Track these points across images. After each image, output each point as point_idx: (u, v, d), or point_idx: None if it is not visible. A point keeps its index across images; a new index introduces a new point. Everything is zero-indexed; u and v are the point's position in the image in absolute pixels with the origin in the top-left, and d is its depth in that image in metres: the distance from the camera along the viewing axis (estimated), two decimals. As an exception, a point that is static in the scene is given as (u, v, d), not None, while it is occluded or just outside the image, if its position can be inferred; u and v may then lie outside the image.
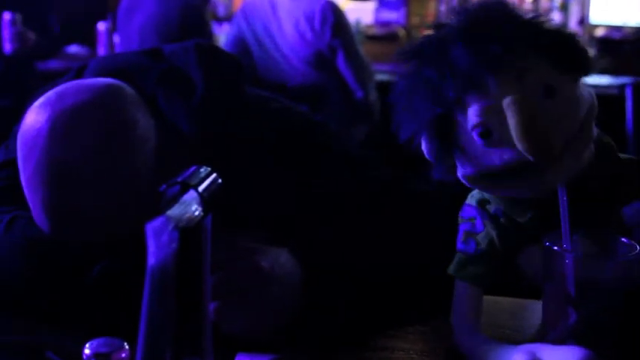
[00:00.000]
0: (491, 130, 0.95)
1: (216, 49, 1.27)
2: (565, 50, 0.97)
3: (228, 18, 5.20)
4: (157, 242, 0.66)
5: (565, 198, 0.96)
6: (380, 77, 4.18)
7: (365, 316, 1.14)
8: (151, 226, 0.67)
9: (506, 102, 0.92)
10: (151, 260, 0.67)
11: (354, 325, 1.13)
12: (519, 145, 0.91)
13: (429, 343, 1.12)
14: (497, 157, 0.96)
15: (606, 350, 0.96)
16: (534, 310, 1.09)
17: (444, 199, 1.31)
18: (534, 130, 0.91)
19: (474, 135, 0.95)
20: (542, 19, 0.99)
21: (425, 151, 1.00)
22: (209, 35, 3.79)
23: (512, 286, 1.17)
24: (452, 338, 1.08)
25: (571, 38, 0.98)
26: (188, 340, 0.79)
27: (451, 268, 1.10)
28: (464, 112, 0.95)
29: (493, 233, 1.07)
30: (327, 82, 3.59)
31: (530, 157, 0.91)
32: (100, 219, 1.05)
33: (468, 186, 1.02)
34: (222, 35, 4.52)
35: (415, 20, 6.30)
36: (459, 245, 1.10)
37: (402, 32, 5.56)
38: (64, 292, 1.09)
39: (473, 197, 1.10)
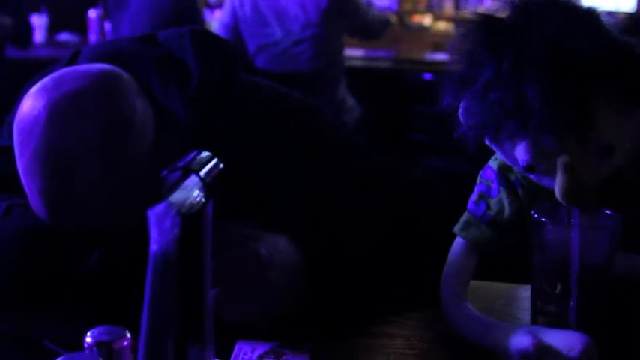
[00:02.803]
0: (536, 167, 0.95)
1: (211, 35, 1.26)
2: (635, 83, 0.93)
3: (220, 5, 5.18)
4: (159, 228, 0.66)
5: None
6: (374, 64, 4.18)
7: (365, 303, 1.14)
8: (154, 212, 0.66)
9: (560, 162, 0.91)
10: (154, 247, 0.66)
11: (354, 312, 1.12)
12: (559, 199, 0.93)
13: (429, 330, 1.11)
14: (533, 177, 0.99)
15: (594, 326, 0.97)
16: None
17: (439, 187, 1.31)
18: (579, 193, 0.92)
19: (518, 160, 0.96)
20: (630, 40, 0.94)
21: (461, 118, 0.98)
22: (201, 22, 3.79)
23: (509, 270, 1.18)
24: (440, 305, 1.10)
25: None
26: (189, 327, 0.79)
27: (456, 227, 1.12)
28: (512, 138, 0.94)
29: (506, 202, 1.08)
30: (321, 66, 3.58)
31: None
32: (99, 206, 1.04)
33: None
34: (214, 22, 4.51)
35: (407, 6, 6.31)
36: (470, 205, 1.12)
37: (393, 18, 5.55)
38: (63, 280, 1.08)
39: (496, 160, 1.11)
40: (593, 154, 0.93)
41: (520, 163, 0.96)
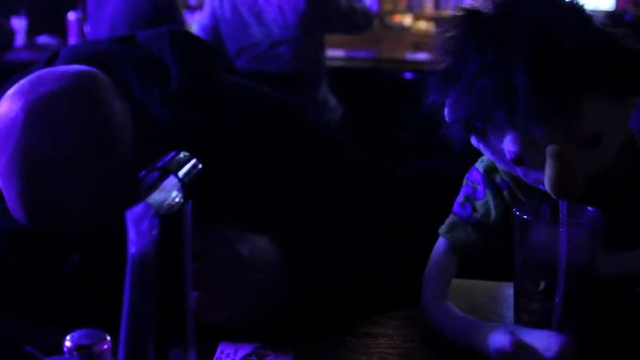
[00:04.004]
0: (524, 159, 0.95)
1: (191, 36, 1.26)
2: (625, 72, 0.92)
3: (200, 6, 5.17)
4: (137, 230, 0.65)
5: None
6: (355, 64, 4.18)
7: (348, 303, 1.13)
8: (131, 214, 0.65)
9: (549, 150, 0.91)
10: (132, 249, 0.65)
11: (337, 312, 1.12)
12: (548, 189, 0.92)
13: (412, 329, 1.11)
14: (521, 170, 0.98)
15: (577, 324, 0.97)
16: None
17: (423, 185, 1.31)
18: (568, 182, 0.91)
19: (505, 153, 0.95)
20: (615, 32, 0.94)
21: (446, 117, 0.98)
22: (181, 23, 3.77)
23: (492, 268, 1.17)
24: (420, 304, 1.09)
25: (634, 55, 0.93)
26: (170, 330, 0.78)
27: (442, 228, 1.12)
28: (500, 128, 0.94)
29: (492, 204, 1.08)
30: (301, 67, 3.57)
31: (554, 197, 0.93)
32: (78, 208, 1.03)
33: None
34: (194, 24, 4.49)
35: (388, 6, 6.31)
36: (456, 207, 1.11)
37: (373, 15, 5.55)
38: (42, 283, 1.07)
39: (482, 162, 1.11)
40: (581, 143, 0.92)
41: (508, 155, 0.95)
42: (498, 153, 0.97)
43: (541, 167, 0.92)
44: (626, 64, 0.92)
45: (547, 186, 0.92)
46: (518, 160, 0.95)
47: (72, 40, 4.88)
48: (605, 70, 0.91)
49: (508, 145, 0.94)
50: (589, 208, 0.98)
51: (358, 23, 3.75)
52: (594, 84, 0.91)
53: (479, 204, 1.09)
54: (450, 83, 0.96)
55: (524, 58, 0.89)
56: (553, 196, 0.92)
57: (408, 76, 4.21)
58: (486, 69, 0.91)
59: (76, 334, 0.76)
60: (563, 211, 0.95)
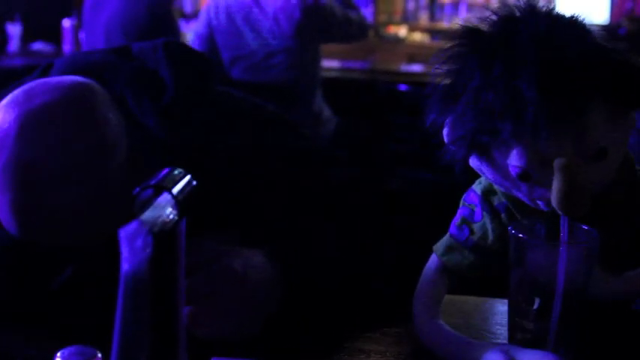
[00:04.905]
0: (531, 174, 0.94)
1: (186, 47, 1.25)
2: (627, 86, 0.92)
3: (196, 15, 5.16)
4: (130, 248, 0.64)
5: None
6: (349, 75, 4.17)
7: (341, 318, 1.13)
8: (124, 231, 0.65)
9: (557, 164, 0.90)
10: (125, 266, 0.64)
11: (330, 327, 1.11)
12: (555, 205, 0.91)
13: (405, 346, 1.10)
14: (526, 187, 0.96)
15: (572, 343, 0.97)
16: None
17: (415, 198, 1.31)
18: (575, 196, 0.90)
19: (510, 169, 0.94)
20: (614, 47, 0.94)
21: (445, 139, 0.98)
22: (176, 32, 3.76)
23: (487, 285, 1.17)
24: (412, 323, 1.08)
25: (637, 71, 0.93)
26: (162, 347, 0.77)
27: (438, 248, 1.11)
28: (506, 144, 0.93)
29: (489, 227, 1.07)
30: (296, 78, 3.56)
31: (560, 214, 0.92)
32: (70, 222, 1.02)
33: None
34: (190, 33, 4.49)
35: (383, 17, 6.33)
36: (453, 229, 1.10)
37: (368, 24, 5.56)
38: (33, 297, 1.07)
39: (480, 184, 1.10)
40: (588, 156, 0.92)
41: (513, 171, 0.94)
42: (502, 171, 0.96)
43: (547, 183, 0.91)
44: (628, 78, 0.92)
45: (554, 200, 0.90)
46: (524, 176, 0.94)
47: (67, 47, 4.87)
48: (609, 83, 0.91)
49: (514, 160, 0.93)
50: (583, 226, 0.97)
51: (353, 33, 3.74)
52: (599, 97, 0.91)
53: (476, 226, 1.09)
54: (451, 101, 0.95)
55: (532, 71, 0.88)
56: (559, 210, 0.91)
57: (403, 87, 4.21)
58: (492, 83, 0.90)
59: (66, 350, 0.76)
60: (564, 229, 0.94)
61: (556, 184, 0.90)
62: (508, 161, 0.94)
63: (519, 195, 0.99)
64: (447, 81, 0.97)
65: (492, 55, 0.92)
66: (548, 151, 0.90)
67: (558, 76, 0.89)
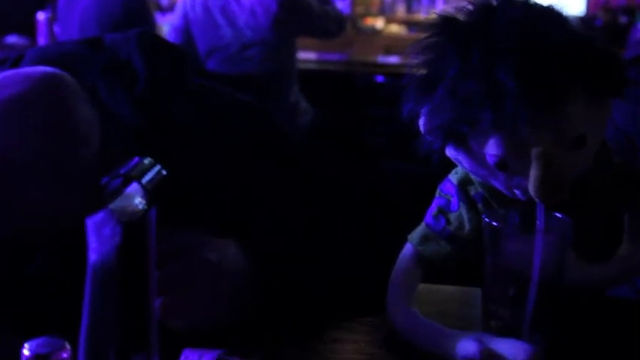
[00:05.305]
0: (509, 163, 0.93)
1: (159, 39, 1.25)
2: (605, 75, 0.93)
3: (172, 8, 5.14)
4: (98, 237, 0.64)
5: None
6: (326, 67, 4.17)
7: (317, 308, 1.13)
8: (92, 221, 0.64)
9: (535, 152, 0.89)
10: (93, 256, 0.64)
11: (305, 317, 1.11)
12: (532, 193, 0.91)
13: (379, 334, 1.11)
14: (503, 177, 0.96)
15: (546, 331, 0.98)
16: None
17: (393, 190, 1.31)
18: (553, 184, 0.90)
19: (488, 158, 0.94)
20: (592, 35, 0.94)
21: (422, 128, 0.97)
22: (152, 25, 3.73)
23: (462, 275, 1.17)
24: (387, 312, 1.08)
25: (614, 60, 0.94)
26: (133, 338, 0.77)
27: (413, 237, 1.10)
28: (484, 133, 0.93)
29: (466, 217, 1.07)
30: (272, 70, 3.56)
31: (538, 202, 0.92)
32: (41, 213, 1.01)
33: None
34: (166, 25, 4.46)
35: (360, 9, 6.33)
36: (429, 219, 1.10)
37: (345, 18, 5.56)
38: (2, 288, 1.05)
39: (456, 174, 1.10)
40: (567, 144, 0.92)
41: (491, 160, 0.94)
42: (478, 160, 0.96)
43: (525, 171, 0.91)
44: (605, 66, 0.92)
45: (532, 189, 0.90)
46: (501, 165, 0.94)
47: (41, 40, 4.82)
48: (588, 71, 0.91)
49: (492, 149, 0.92)
50: (557, 214, 0.97)
51: (331, 28, 3.74)
52: (578, 84, 0.91)
53: (452, 216, 1.08)
54: (428, 90, 0.95)
55: (510, 59, 0.88)
56: (536, 198, 0.91)
57: (380, 79, 4.21)
58: (470, 72, 0.90)
59: (34, 342, 0.74)
60: (540, 217, 0.94)
61: (534, 173, 0.90)
62: (485, 150, 0.93)
63: (496, 184, 0.99)
64: (424, 71, 0.97)
65: (470, 43, 0.92)
66: (527, 140, 0.90)
67: (537, 65, 0.89)
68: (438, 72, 0.94)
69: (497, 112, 0.88)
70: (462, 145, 0.96)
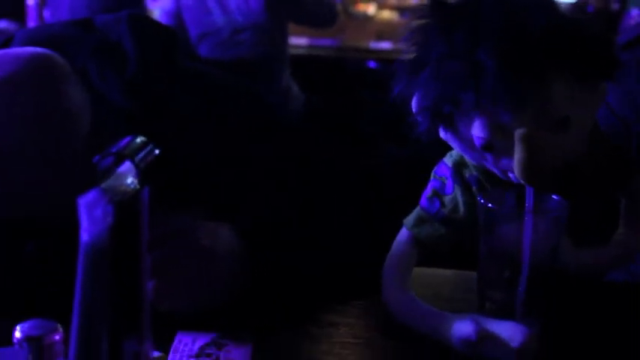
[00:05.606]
0: (494, 145, 0.93)
1: (150, 20, 1.23)
2: (594, 59, 0.92)
3: (162, -8, 5.11)
4: (90, 217, 0.63)
5: None
6: (318, 52, 4.15)
7: (311, 291, 1.12)
8: (84, 200, 0.63)
9: (518, 134, 0.89)
10: (84, 237, 0.63)
11: (299, 301, 1.10)
12: (517, 174, 0.91)
13: (374, 318, 1.10)
14: (491, 158, 0.96)
15: (540, 313, 0.97)
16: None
17: (387, 174, 1.30)
18: (537, 166, 0.90)
19: (475, 140, 0.94)
20: (581, 19, 0.94)
21: (414, 108, 0.97)
22: (143, 9, 3.72)
23: (457, 258, 1.17)
24: (381, 295, 1.08)
25: (604, 44, 0.93)
26: (126, 320, 0.76)
27: (408, 221, 1.10)
28: (468, 114, 0.92)
29: (460, 199, 1.07)
30: (264, 54, 3.54)
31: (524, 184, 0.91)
32: (32, 194, 1.00)
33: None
34: (156, 10, 4.44)
35: (351, -6, 6.29)
36: (423, 201, 1.10)
37: (338, 7, 5.53)
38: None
39: (451, 157, 1.09)
40: (549, 126, 0.91)
41: (477, 142, 0.94)
42: (467, 142, 0.96)
43: (511, 153, 0.91)
44: (592, 49, 0.91)
45: (516, 170, 0.91)
46: (487, 147, 0.94)
47: (31, 24, 4.80)
48: (572, 54, 0.90)
49: (477, 131, 0.92)
50: (554, 196, 0.97)
51: (322, 14, 3.72)
52: (561, 67, 0.90)
53: (447, 199, 1.08)
54: (417, 73, 0.95)
55: (492, 40, 0.88)
56: (521, 180, 0.91)
57: (372, 64, 4.20)
58: (454, 53, 0.90)
59: (26, 324, 0.74)
60: (529, 198, 0.94)
61: (517, 155, 0.90)
62: (471, 132, 0.93)
63: (488, 165, 0.98)
64: (413, 53, 0.96)
65: (455, 25, 0.92)
66: (509, 121, 0.90)
67: (518, 46, 0.88)
68: (426, 54, 0.94)
69: (478, 93, 0.88)
70: (450, 126, 0.96)
